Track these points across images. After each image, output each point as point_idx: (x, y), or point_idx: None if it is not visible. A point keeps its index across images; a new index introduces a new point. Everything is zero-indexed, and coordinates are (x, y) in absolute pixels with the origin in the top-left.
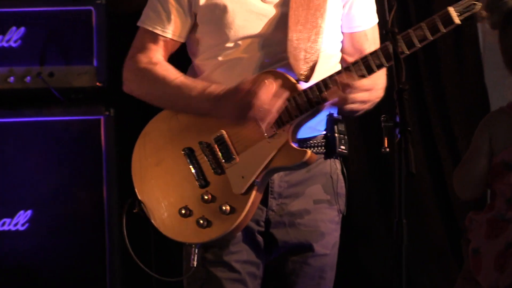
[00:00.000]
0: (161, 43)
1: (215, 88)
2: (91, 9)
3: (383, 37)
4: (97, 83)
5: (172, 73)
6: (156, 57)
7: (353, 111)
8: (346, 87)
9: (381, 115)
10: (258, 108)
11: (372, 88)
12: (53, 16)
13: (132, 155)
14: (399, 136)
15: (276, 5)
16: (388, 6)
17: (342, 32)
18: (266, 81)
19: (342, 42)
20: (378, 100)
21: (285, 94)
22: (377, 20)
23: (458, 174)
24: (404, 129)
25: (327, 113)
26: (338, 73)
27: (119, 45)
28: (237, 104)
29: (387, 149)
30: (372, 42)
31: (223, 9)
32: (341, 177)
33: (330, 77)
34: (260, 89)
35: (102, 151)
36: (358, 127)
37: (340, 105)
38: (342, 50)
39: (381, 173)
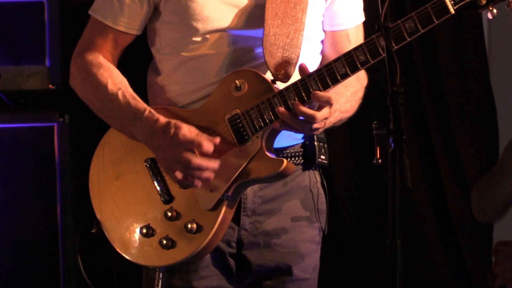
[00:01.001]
0: (111, 36)
1: (150, 117)
2: (43, 1)
3: (375, 33)
4: (50, 86)
5: (114, 83)
6: (102, 57)
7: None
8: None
9: (372, 121)
10: (193, 170)
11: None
12: (0, 9)
13: (89, 168)
14: (393, 145)
15: None
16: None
17: (323, 30)
18: (206, 138)
19: (322, 42)
20: (346, 115)
21: (225, 154)
22: (363, 19)
23: (478, 193)
24: (399, 137)
25: None
26: (318, 71)
27: (75, 42)
28: (171, 158)
29: (380, 161)
30: (354, 44)
31: None
32: (321, 191)
33: (309, 76)
34: (202, 147)
35: (56, 162)
36: (346, 135)
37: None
38: (321, 51)
39: (372, 187)
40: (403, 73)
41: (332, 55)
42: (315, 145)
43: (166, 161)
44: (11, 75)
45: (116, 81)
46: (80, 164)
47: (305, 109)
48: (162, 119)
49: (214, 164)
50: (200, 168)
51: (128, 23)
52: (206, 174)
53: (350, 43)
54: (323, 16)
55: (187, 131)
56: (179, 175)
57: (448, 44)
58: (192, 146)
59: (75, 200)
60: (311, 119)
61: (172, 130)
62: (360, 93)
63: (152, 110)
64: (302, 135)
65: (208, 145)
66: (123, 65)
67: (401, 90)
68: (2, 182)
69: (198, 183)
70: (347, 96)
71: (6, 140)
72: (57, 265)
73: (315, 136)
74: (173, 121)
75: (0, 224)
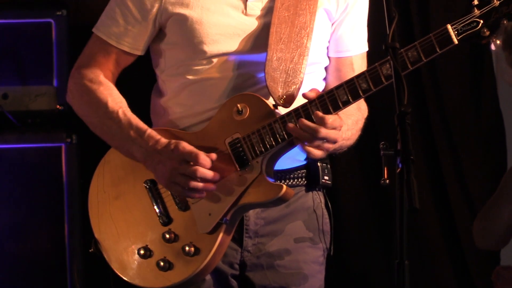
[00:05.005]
0: (113, 55)
1: (152, 136)
2: (50, 21)
3: (382, 54)
4: (58, 106)
5: (114, 102)
6: (103, 75)
7: (316, 152)
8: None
9: (379, 141)
10: (192, 185)
11: (341, 125)
12: (8, 29)
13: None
14: (400, 166)
15: (257, 19)
16: (388, 18)
17: (328, 57)
18: (203, 155)
19: (326, 68)
20: (346, 143)
21: (224, 172)
22: (367, 48)
23: (479, 221)
24: (407, 158)
25: None
26: (320, 97)
27: None
28: (172, 170)
29: (387, 181)
30: (358, 71)
31: (197, 20)
32: (325, 211)
33: (311, 102)
34: (200, 162)
35: (63, 182)
36: (354, 156)
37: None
38: (324, 78)
39: (380, 208)
40: (411, 93)
41: (334, 83)
42: (318, 165)
43: (167, 174)
44: (18, 96)
45: (116, 100)
46: (88, 184)
47: (307, 122)
48: (163, 139)
49: (217, 175)
50: (205, 178)
51: (132, 43)
52: (210, 186)
53: (353, 72)
54: (328, 42)
55: (187, 144)
56: (180, 188)
57: (457, 64)
58: (190, 157)
59: (83, 220)
60: (314, 132)
61: (172, 146)
62: (361, 123)
63: (154, 131)
64: (304, 156)
65: (205, 159)
66: (126, 85)
67: (409, 110)
68: (10, 203)
69: (202, 194)
70: (348, 124)
71: (14, 160)
72: (65, 285)
73: None
74: (173, 140)
75: (8, 244)
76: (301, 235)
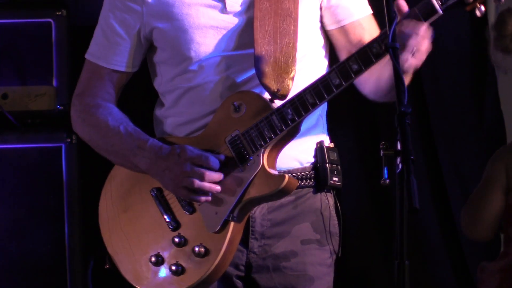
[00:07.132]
0: (106, 77)
1: (155, 145)
2: (50, 21)
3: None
4: (57, 106)
5: (114, 120)
6: (100, 98)
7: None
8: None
9: (380, 141)
10: (198, 191)
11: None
12: (7, 29)
13: (96, 187)
14: (400, 166)
15: (238, 14)
16: (388, 18)
17: (329, 31)
18: (212, 157)
19: (334, 41)
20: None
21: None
22: (371, 11)
23: (467, 210)
24: (407, 158)
25: (316, 140)
26: (313, 85)
27: (82, 62)
28: (180, 175)
29: (387, 181)
30: (369, 34)
31: (178, 28)
32: (334, 213)
33: (305, 90)
34: (210, 165)
35: (63, 182)
36: (355, 156)
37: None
38: (336, 49)
39: (380, 208)
40: (411, 93)
41: (350, 49)
42: (326, 167)
43: (175, 178)
44: (18, 96)
45: (116, 118)
46: (88, 184)
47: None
48: (166, 145)
49: (222, 177)
50: (213, 180)
51: (121, 61)
52: (216, 187)
53: (364, 30)
54: (320, 22)
55: (192, 148)
56: (188, 191)
57: (458, 64)
58: (200, 160)
59: (83, 220)
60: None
61: (178, 150)
62: None
63: (155, 140)
64: (313, 154)
65: (214, 161)
66: (131, 99)
67: (409, 110)
68: (10, 203)
69: (208, 197)
70: None
71: (13, 160)
72: (65, 285)
73: (326, 157)
74: (176, 145)
75: (8, 244)
76: (308, 237)
